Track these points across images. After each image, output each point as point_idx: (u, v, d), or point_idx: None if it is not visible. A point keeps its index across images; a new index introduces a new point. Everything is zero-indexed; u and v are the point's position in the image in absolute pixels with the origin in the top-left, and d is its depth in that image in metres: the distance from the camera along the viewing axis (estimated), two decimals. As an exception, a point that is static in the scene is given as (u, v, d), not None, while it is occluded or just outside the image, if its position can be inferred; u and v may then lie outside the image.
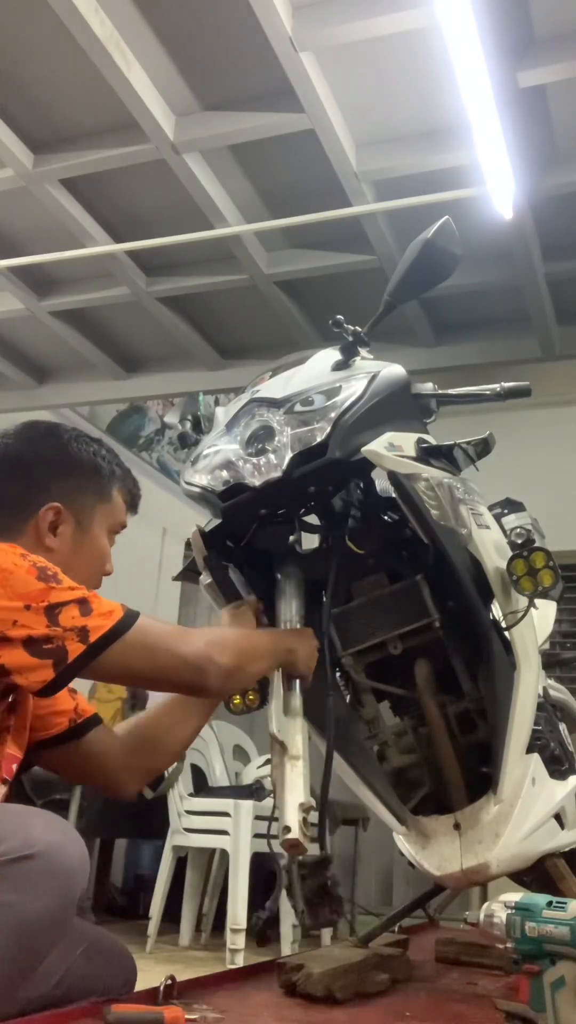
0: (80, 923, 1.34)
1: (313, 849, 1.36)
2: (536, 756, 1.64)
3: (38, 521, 1.43)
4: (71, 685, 1.51)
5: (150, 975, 1.49)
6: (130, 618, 1.27)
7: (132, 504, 1.59)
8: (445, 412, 1.78)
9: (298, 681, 1.49)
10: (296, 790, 1.35)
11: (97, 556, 1.50)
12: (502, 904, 1.25)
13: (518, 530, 1.71)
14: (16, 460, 1.47)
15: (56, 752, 1.50)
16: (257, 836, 3.60)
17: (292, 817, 1.31)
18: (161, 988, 1.32)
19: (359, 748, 1.64)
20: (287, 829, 1.30)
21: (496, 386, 1.66)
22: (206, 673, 1.32)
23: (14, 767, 1.36)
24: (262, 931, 1.40)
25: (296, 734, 1.43)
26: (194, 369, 5.26)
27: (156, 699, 1.65)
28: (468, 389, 1.70)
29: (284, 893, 1.39)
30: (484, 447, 1.68)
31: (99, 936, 1.49)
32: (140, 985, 1.48)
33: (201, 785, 4.08)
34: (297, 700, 1.48)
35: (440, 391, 1.70)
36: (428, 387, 1.70)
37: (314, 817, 1.37)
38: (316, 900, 1.37)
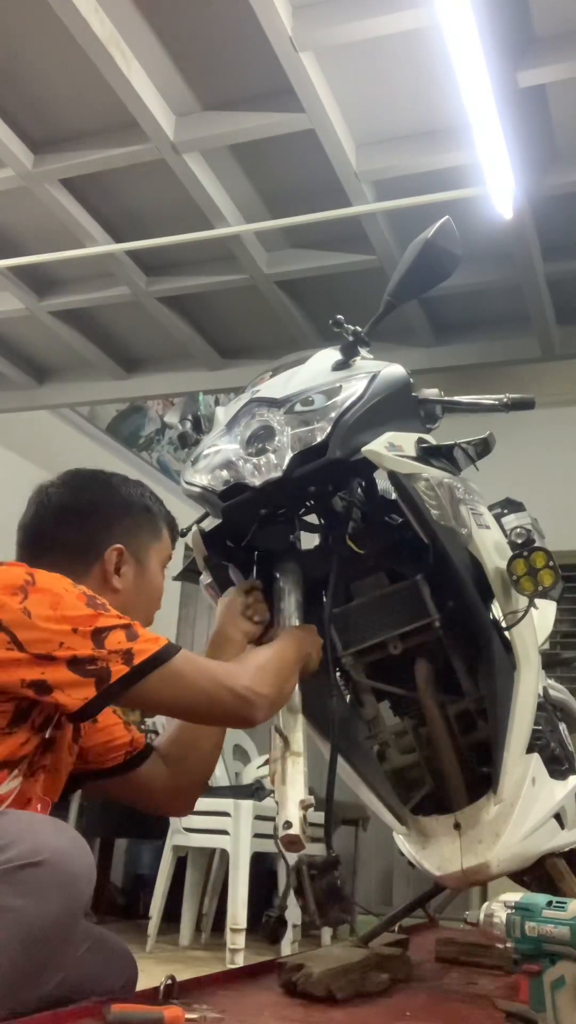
0: (82, 923, 1.34)
1: (312, 847, 1.36)
2: (536, 756, 1.64)
3: (104, 564, 1.47)
4: (123, 718, 1.53)
5: (150, 975, 1.49)
6: (175, 647, 1.30)
7: (173, 539, 1.64)
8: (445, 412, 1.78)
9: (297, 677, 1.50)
10: (297, 786, 1.35)
11: (156, 592, 1.55)
12: (502, 904, 1.25)
13: (518, 530, 1.71)
14: (71, 507, 1.51)
15: (109, 782, 1.54)
16: (257, 836, 3.60)
17: (293, 812, 1.31)
18: (161, 988, 1.32)
19: (359, 748, 1.64)
20: (288, 824, 1.30)
21: (503, 396, 1.67)
22: (254, 705, 1.34)
23: (39, 807, 1.36)
24: (273, 929, 1.40)
25: (298, 731, 1.43)
26: (194, 369, 5.26)
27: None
28: (474, 398, 1.71)
29: (292, 893, 1.39)
30: (484, 447, 1.68)
31: (100, 936, 1.49)
32: (140, 985, 1.48)
33: (201, 785, 4.07)
34: (297, 697, 1.48)
35: (446, 398, 1.70)
36: (434, 393, 1.70)
37: (314, 815, 1.37)
38: (326, 900, 1.38)
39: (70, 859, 1.14)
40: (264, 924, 1.41)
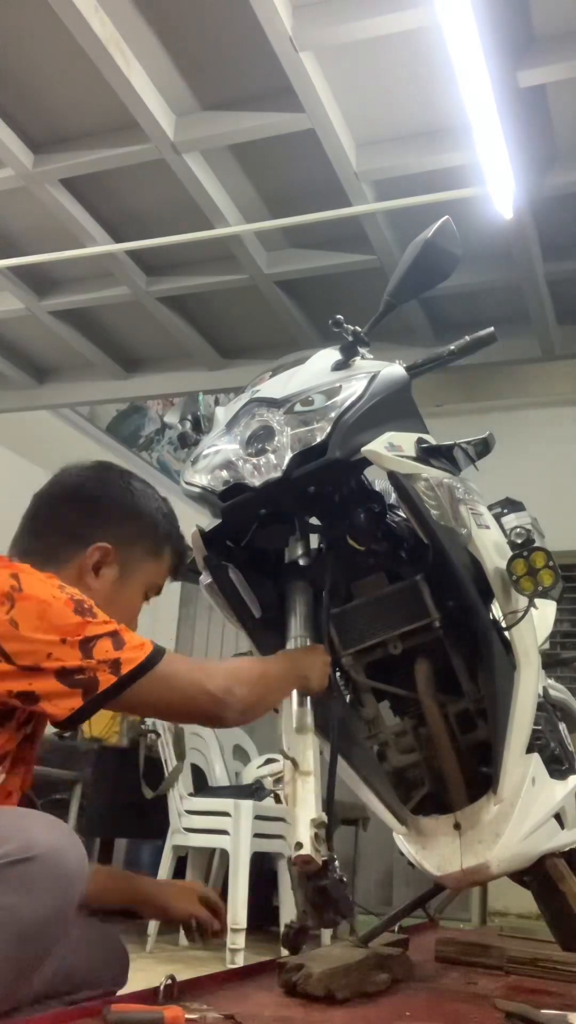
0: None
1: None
2: (536, 756, 1.64)
3: (84, 558, 1.43)
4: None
5: (150, 975, 1.49)
6: (159, 653, 1.29)
7: (175, 570, 1.57)
8: (445, 412, 1.78)
9: (308, 696, 1.50)
10: (308, 806, 1.36)
11: (130, 610, 1.49)
12: None
13: (518, 530, 1.71)
14: (81, 491, 1.48)
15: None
16: (257, 836, 3.60)
17: (304, 833, 1.33)
18: (161, 988, 1.32)
19: (359, 748, 1.64)
20: (299, 845, 1.32)
21: (460, 341, 1.66)
22: (226, 706, 1.34)
23: (16, 799, 1.37)
24: (295, 940, 1.41)
25: (307, 750, 1.43)
26: (194, 369, 5.26)
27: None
28: (432, 352, 1.69)
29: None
30: (484, 447, 1.68)
31: (91, 927, 1.49)
32: (140, 985, 1.48)
33: (201, 785, 4.08)
34: (309, 716, 1.48)
35: (407, 364, 1.68)
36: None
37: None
38: (319, 901, 1.38)
39: (63, 855, 1.13)
40: (285, 934, 1.42)
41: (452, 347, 1.66)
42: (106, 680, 1.22)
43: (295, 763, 1.41)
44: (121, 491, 1.51)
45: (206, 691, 1.33)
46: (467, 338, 1.65)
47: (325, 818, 1.35)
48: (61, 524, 1.45)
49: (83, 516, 1.46)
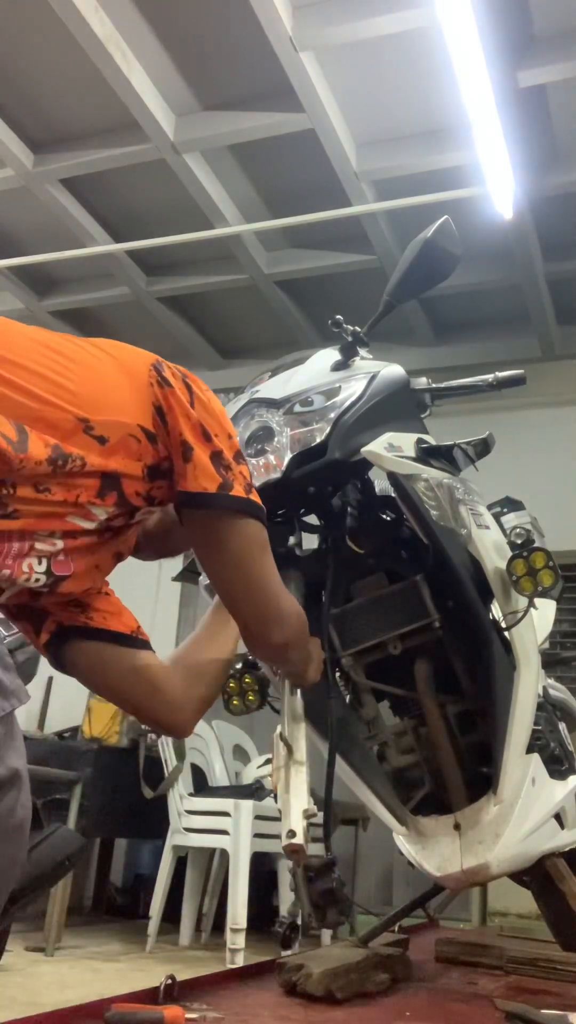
0: None
1: (313, 848, 1.36)
2: (536, 756, 1.64)
3: None
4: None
5: (150, 975, 1.49)
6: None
7: None
8: (445, 412, 1.79)
9: (298, 687, 1.49)
10: (300, 796, 1.36)
11: None
12: None
13: (518, 530, 1.71)
14: None
15: (117, 654, 1.35)
16: (257, 836, 3.60)
17: (297, 822, 1.32)
18: (161, 988, 1.32)
19: (359, 748, 1.64)
20: (292, 833, 1.31)
21: (490, 376, 1.67)
22: (273, 633, 1.30)
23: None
24: (287, 936, 1.41)
25: (301, 739, 1.43)
26: (194, 369, 5.21)
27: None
28: (462, 381, 1.71)
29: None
30: (484, 447, 1.68)
31: None
32: (140, 985, 1.48)
33: (201, 785, 4.07)
34: (299, 705, 1.48)
35: (434, 385, 1.70)
36: (422, 382, 1.70)
37: (317, 819, 1.37)
38: (323, 902, 1.38)
39: (13, 811, 1.04)
40: (276, 931, 1.42)
41: (482, 381, 1.68)
42: (238, 491, 1.21)
43: (291, 750, 1.41)
44: None
45: (279, 604, 1.29)
46: (497, 375, 1.67)
47: (316, 810, 1.35)
48: None
49: None
